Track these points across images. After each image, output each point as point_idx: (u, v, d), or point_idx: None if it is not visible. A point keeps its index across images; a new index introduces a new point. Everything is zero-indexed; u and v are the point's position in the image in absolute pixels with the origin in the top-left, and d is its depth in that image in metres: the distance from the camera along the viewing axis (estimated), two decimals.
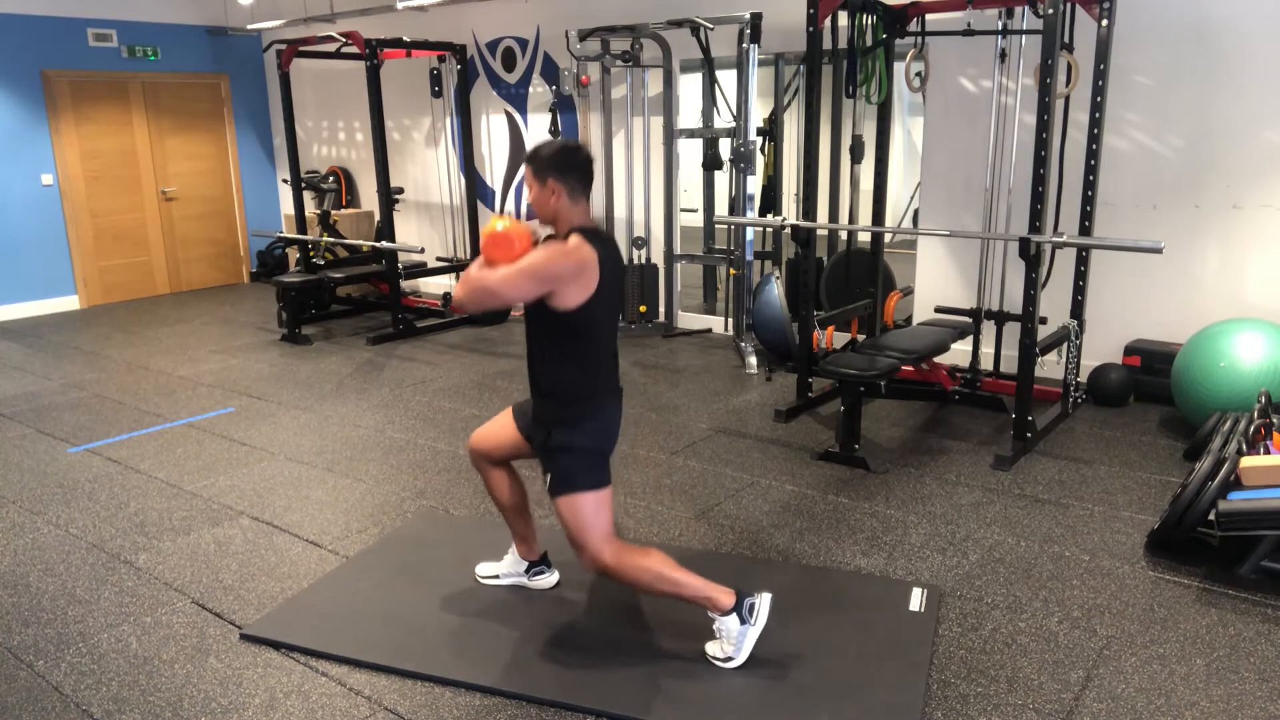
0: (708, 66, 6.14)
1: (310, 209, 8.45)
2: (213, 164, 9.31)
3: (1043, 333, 4.52)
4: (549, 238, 2.67)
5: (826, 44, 4.83)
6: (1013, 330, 4.73)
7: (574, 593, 3.14)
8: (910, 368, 4.83)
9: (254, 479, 4.27)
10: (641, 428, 4.84)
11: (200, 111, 9.15)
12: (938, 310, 5.33)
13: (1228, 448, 3.42)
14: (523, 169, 2.68)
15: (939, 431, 4.72)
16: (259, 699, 2.62)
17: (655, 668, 2.71)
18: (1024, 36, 4.94)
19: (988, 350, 5.35)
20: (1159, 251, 3.79)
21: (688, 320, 7.11)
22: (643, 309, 7.00)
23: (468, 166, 7.61)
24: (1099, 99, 4.68)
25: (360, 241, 7.71)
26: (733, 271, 6.35)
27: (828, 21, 4.74)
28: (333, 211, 8.40)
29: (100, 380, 6.01)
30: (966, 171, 5.52)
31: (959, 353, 5.46)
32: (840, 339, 5.96)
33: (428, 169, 8.44)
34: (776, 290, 5.53)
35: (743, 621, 2.64)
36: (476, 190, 7.72)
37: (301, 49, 7.26)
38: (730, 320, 6.73)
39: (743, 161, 5.93)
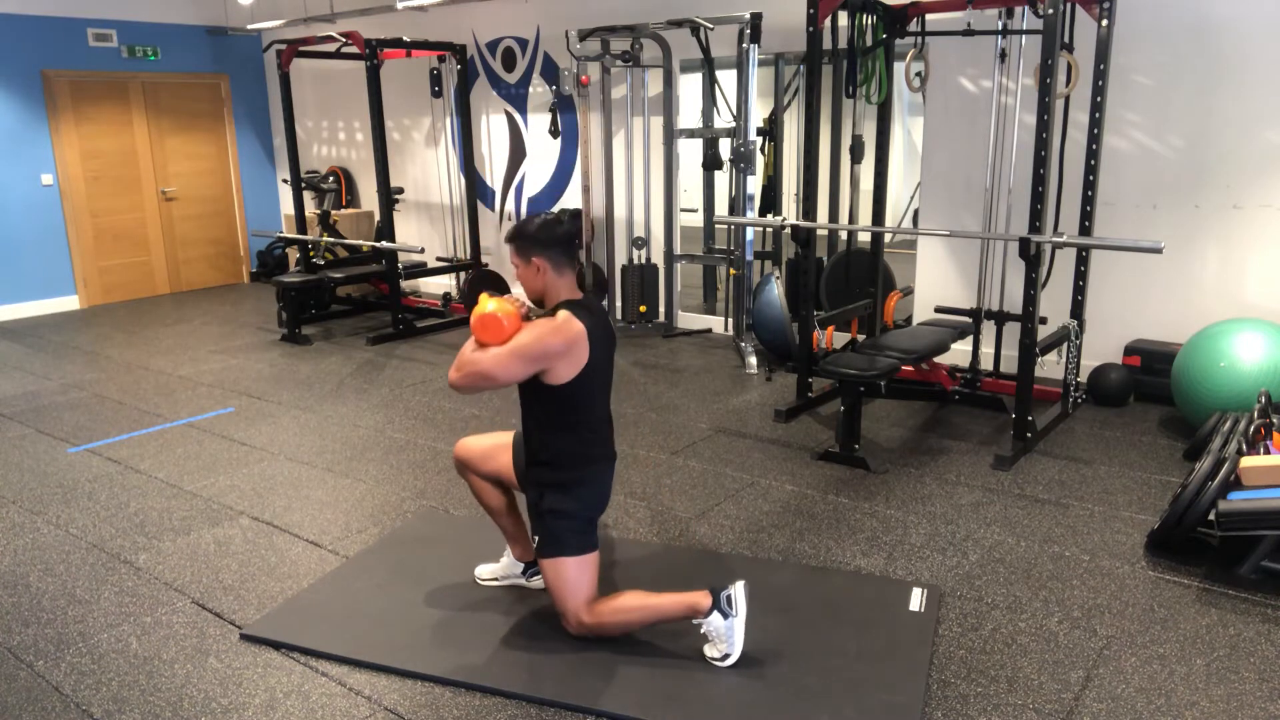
0: (708, 66, 6.14)
1: (310, 209, 8.45)
2: (213, 164, 9.31)
3: (1043, 333, 4.52)
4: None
5: (826, 44, 4.83)
6: (1013, 330, 4.73)
7: None
8: (910, 368, 4.83)
9: (254, 479, 4.27)
10: (641, 428, 4.84)
11: (200, 111, 9.15)
12: (938, 310, 5.33)
13: (1228, 448, 3.41)
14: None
15: (939, 431, 4.72)
16: (259, 699, 2.62)
17: (655, 668, 2.71)
18: (1024, 36, 4.94)
19: (988, 350, 5.35)
20: (1159, 251, 3.79)
21: (688, 320, 7.11)
22: (643, 309, 7.00)
23: (468, 166, 7.61)
24: (1099, 99, 4.68)
25: (360, 241, 7.71)
26: (733, 271, 6.35)
27: (828, 21, 4.74)
28: (333, 211, 8.40)
29: (100, 380, 6.01)
30: (966, 171, 5.52)
31: (959, 353, 5.46)
32: (840, 339, 5.96)
33: (428, 169, 8.44)
34: (776, 290, 5.53)
35: (725, 616, 2.66)
36: (476, 190, 7.71)
37: (301, 49, 7.26)
38: (730, 320, 6.73)
39: (743, 161, 5.93)
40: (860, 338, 5.62)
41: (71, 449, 4.73)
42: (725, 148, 6.33)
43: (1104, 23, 4.63)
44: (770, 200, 7.13)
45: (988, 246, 5.26)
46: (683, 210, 7.03)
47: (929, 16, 5.07)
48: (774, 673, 2.66)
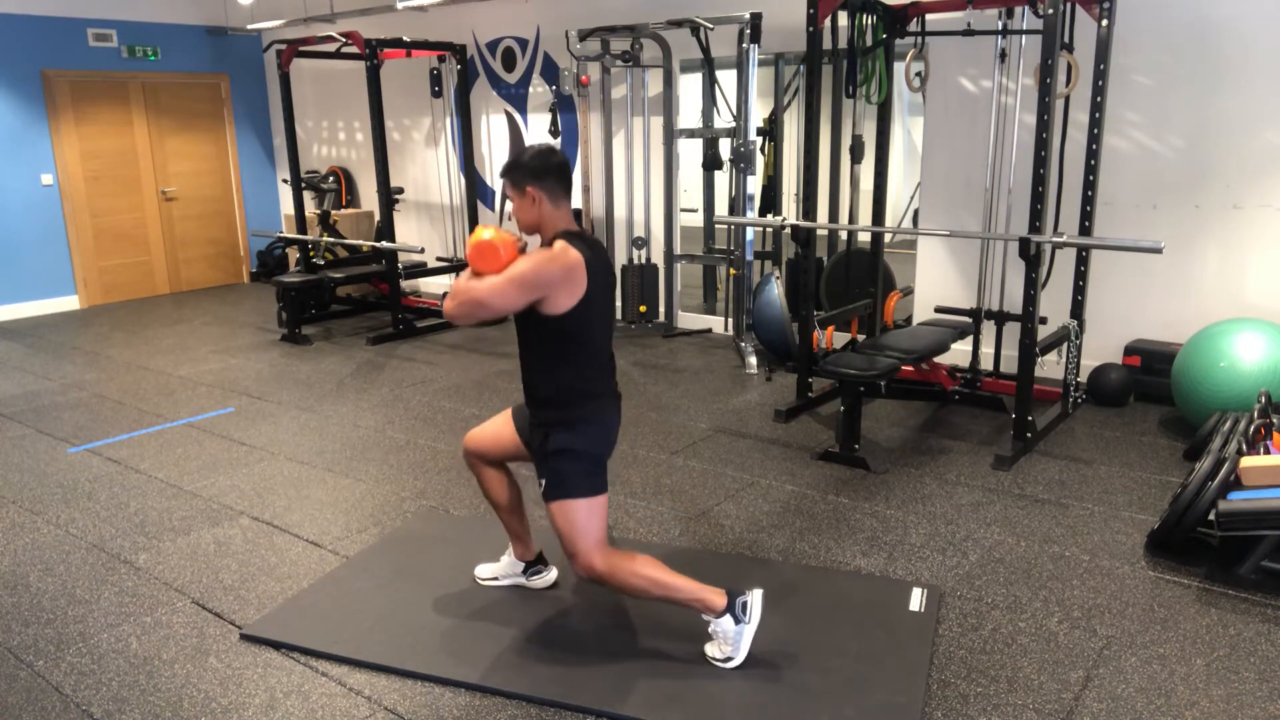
0: (708, 66, 6.14)
1: (310, 209, 8.45)
2: (213, 164, 9.31)
3: (1043, 333, 4.52)
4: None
5: (826, 44, 4.83)
6: (1013, 330, 4.73)
7: (573, 592, 3.14)
8: (910, 368, 4.83)
9: (254, 479, 4.27)
10: (641, 428, 4.84)
11: (200, 111, 9.15)
12: (938, 310, 5.33)
13: (1228, 448, 3.41)
14: (500, 183, 2.69)
15: (939, 431, 4.72)
16: (259, 699, 2.62)
17: (655, 668, 2.71)
18: (1024, 36, 4.94)
19: (988, 350, 5.35)
20: (1159, 251, 3.79)
21: (688, 320, 7.11)
22: (643, 309, 7.00)
23: (468, 166, 7.61)
24: (1099, 99, 4.68)
25: (360, 241, 7.71)
26: (733, 271, 6.35)
27: (828, 21, 4.74)
28: (333, 211, 8.40)
29: (100, 380, 6.01)
30: (966, 171, 5.52)
31: (959, 353, 5.46)
32: (840, 339, 5.96)
33: (428, 169, 8.45)
34: (776, 290, 5.53)
35: (737, 621, 2.64)
36: (476, 190, 7.72)
37: (301, 49, 7.26)
38: (730, 320, 6.73)
39: (743, 161, 5.93)
40: (860, 338, 5.62)
41: (71, 449, 4.73)
42: (725, 148, 6.33)
43: (1104, 23, 4.63)
44: (770, 200, 7.13)
45: (988, 246, 5.26)
46: (683, 210, 7.03)
47: (929, 16, 5.07)
48: (774, 673, 2.66)
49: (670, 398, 5.38)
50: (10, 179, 7.95)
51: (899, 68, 5.35)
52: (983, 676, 2.65)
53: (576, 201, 7.26)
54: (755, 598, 2.67)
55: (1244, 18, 4.61)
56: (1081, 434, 4.62)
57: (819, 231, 5.75)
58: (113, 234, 8.63)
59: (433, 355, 6.51)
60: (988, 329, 5.26)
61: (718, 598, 2.64)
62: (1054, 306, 4.96)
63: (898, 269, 6.37)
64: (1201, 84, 4.78)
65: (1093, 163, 4.76)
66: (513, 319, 2.65)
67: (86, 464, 4.50)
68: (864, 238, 6.34)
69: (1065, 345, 4.82)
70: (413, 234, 8.75)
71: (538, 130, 7.64)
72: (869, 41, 5.00)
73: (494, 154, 8.06)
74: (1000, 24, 4.89)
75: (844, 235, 6.44)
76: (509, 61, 7.70)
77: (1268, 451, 3.51)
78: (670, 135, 6.61)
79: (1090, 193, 4.80)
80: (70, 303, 8.45)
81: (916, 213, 6.00)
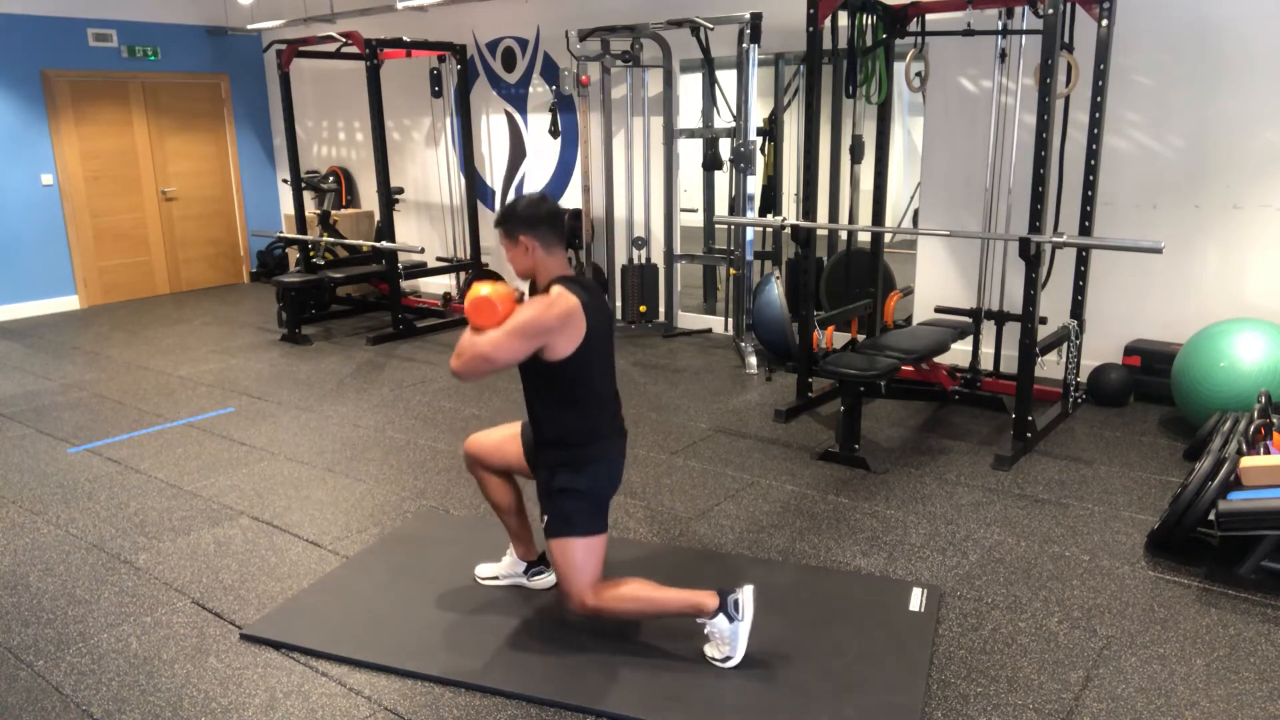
0: (708, 66, 6.14)
1: (310, 209, 8.45)
2: (213, 164, 9.31)
3: (1043, 333, 4.52)
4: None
5: (826, 44, 4.83)
6: (1013, 330, 4.73)
7: None
8: (910, 368, 4.83)
9: (254, 479, 4.27)
10: (641, 428, 4.84)
11: (200, 111, 9.15)
12: (938, 310, 5.33)
13: (1228, 448, 3.41)
14: (497, 233, 2.75)
15: (939, 431, 4.72)
16: (259, 699, 2.62)
17: (655, 668, 2.71)
18: (1024, 36, 4.94)
19: (988, 350, 5.35)
20: (1159, 251, 3.79)
21: (688, 320, 7.11)
22: (643, 309, 7.00)
23: (468, 166, 7.61)
24: (1099, 99, 4.68)
25: (360, 241, 7.71)
26: (733, 271, 6.35)
27: (828, 21, 4.73)
28: (333, 211, 8.40)
29: (100, 380, 6.01)
30: (966, 171, 5.52)
31: (959, 353, 5.46)
32: (840, 339, 5.96)
33: (428, 169, 8.44)
34: (776, 290, 5.53)
35: (730, 619, 2.65)
36: (476, 190, 7.71)
37: (301, 49, 7.26)
38: (730, 320, 6.73)
39: (743, 161, 5.93)
40: (860, 338, 5.62)
41: (71, 449, 4.73)
42: (725, 148, 6.33)
43: (1104, 23, 4.63)
44: (770, 200, 7.13)
45: (988, 246, 5.26)
46: (683, 210, 7.03)
47: (929, 16, 5.07)
48: (774, 673, 2.66)
49: (670, 398, 5.38)
50: (10, 179, 7.95)
51: (899, 68, 5.35)
52: (983, 676, 2.65)
53: (576, 201, 7.26)
54: (746, 594, 2.68)
55: (1244, 18, 4.61)
56: (1081, 434, 4.62)
57: (819, 231, 5.75)
58: (113, 234, 8.63)
59: (433, 355, 6.51)
60: (988, 329, 5.26)
61: (709, 599, 2.66)
62: (1054, 306, 4.96)
63: (898, 269, 6.37)
64: (1201, 84, 4.78)
65: (1093, 163, 4.76)
66: (517, 368, 2.69)
67: (86, 464, 4.50)
68: (864, 238, 6.33)
69: (1065, 345, 4.82)
70: (413, 234, 8.75)
71: (538, 130, 7.64)
72: (869, 41, 5.00)
73: (494, 154, 8.06)
74: (1000, 24, 4.89)
75: (844, 235, 6.44)
76: (509, 61, 7.70)
77: (1268, 451, 3.51)
78: (670, 135, 6.61)
79: (1090, 193, 4.80)
80: (70, 303, 8.45)
81: (916, 213, 6.00)
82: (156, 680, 2.72)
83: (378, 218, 7.48)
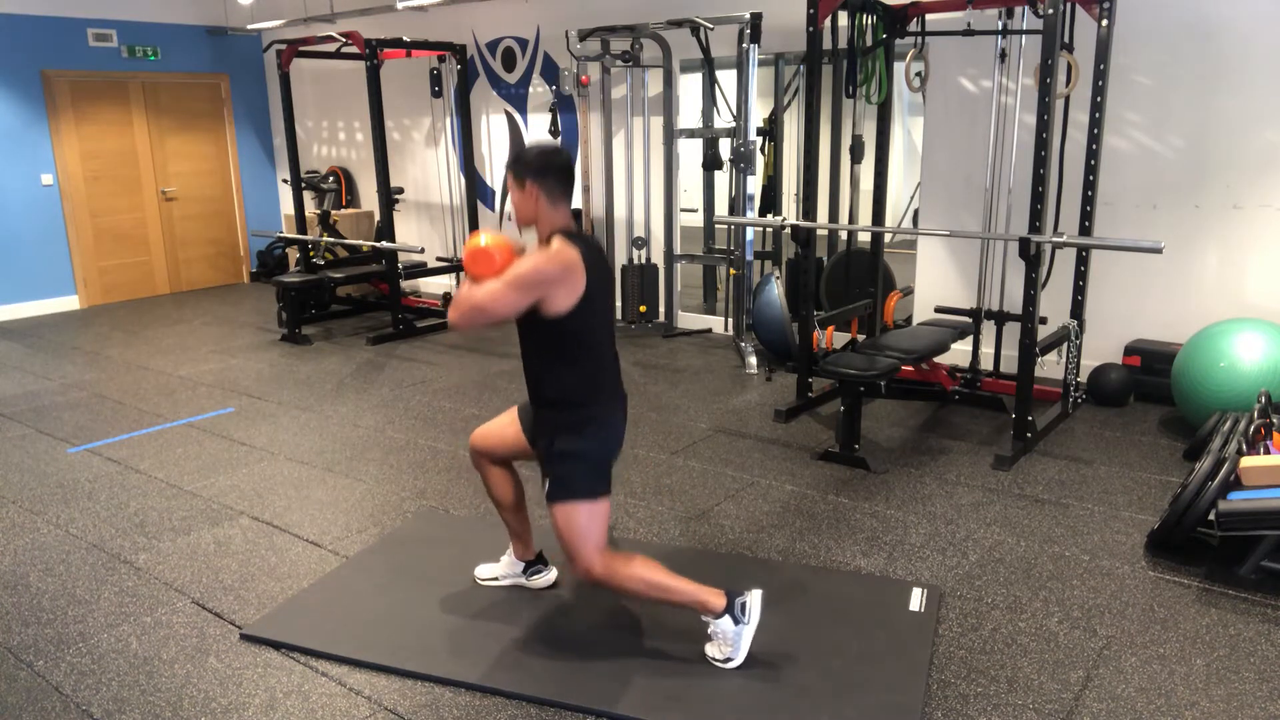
0: (708, 66, 6.14)
1: (310, 209, 8.45)
2: (213, 164, 9.31)
3: (1043, 333, 4.52)
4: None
5: (826, 44, 4.83)
6: (1013, 330, 4.73)
7: (573, 592, 3.14)
8: (910, 368, 4.83)
9: (254, 479, 4.27)
10: (641, 428, 4.84)
11: (200, 111, 9.15)
12: (938, 310, 5.33)
13: (1228, 448, 3.41)
14: (502, 181, 2.69)
15: (939, 431, 4.72)
16: (259, 699, 2.62)
17: (655, 668, 2.71)
18: (1024, 36, 4.94)
19: (988, 350, 5.35)
20: (1159, 251, 3.79)
21: (688, 320, 7.11)
22: (643, 309, 7.00)
23: (468, 166, 7.61)
24: (1099, 99, 4.68)
25: (360, 241, 7.71)
26: (733, 271, 6.35)
27: (828, 21, 4.73)
28: (333, 211, 8.40)
29: (100, 380, 6.01)
30: (966, 171, 5.52)
31: (959, 353, 5.46)
32: (840, 339, 5.96)
33: (428, 169, 8.45)
34: (776, 290, 5.53)
35: (736, 622, 2.64)
36: (476, 190, 7.72)
37: (301, 49, 7.26)
38: (730, 320, 6.73)
39: (743, 161, 5.93)
40: (860, 338, 5.62)
41: (71, 449, 4.73)
42: (725, 148, 6.33)
43: (1104, 23, 4.63)
44: (770, 200, 7.13)
45: (988, 246, 5.26)
46: (683, 210, 7.03)
47: (929, 16, 5.07)
48: (774, 673, 2.66)
49: (670, 398, 5.38)
50: (10, 179, 7.95)
51: (899, 68, 5.35)
52: (983, 676, 2.65)
53: (576, 201, 7.24)
54: (754, 598, 2.67)
55: (1244, 18, 4.61)
56: (1081, 434, 4.62)
57: (819, 231, 5.75)
58: (113, 234, 8.63)
59: (433, 355, 6.51)
60: (988, 329, 5.26)
61: (717, 599, 2.64)
62: (1054, 306, 4.96)
63: (898, 269, 6.37)
64: (1201, 84, 4.78)
65: (1093, 163, 4.76)
66: (514, 324, 2.64)
67: (86, 464, 4.50)
68: (864, 238, 6.34)
69: (1065, 345, 4.82)
70: (413, 234, 8.75)
71: (538, 130, 7.63)
72: (869, 41, 5.00)
73: (494, 154, 8.06)
74: (1000, 24, 4.89)
75: (844, 235, 6.44)
76: (509, 61, 7.70)
77: (1268, 451, 3.51)
78: (670, 135, 6.61)
79: (1090, 193, 4.80)
80: (70, 303, 8.45)
81: (916, 213, 6.00)
82: (156, 680, 2.72)
83: (378, 218, 7.49)
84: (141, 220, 8.82)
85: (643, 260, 7.01)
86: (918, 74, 5.26)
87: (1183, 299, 5.01)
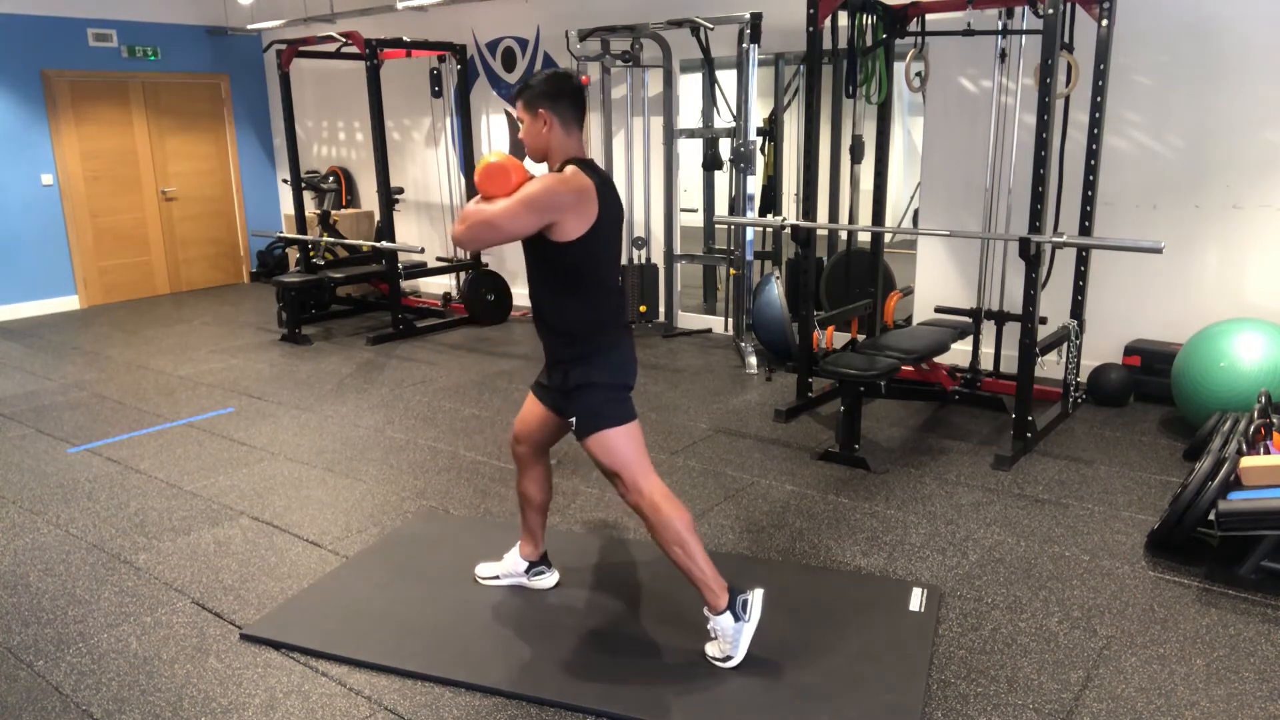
0: (708, 66, 6.14)
1: (310, 209, 8.45)
2: (213, 164, 9.31)
3: (1043, 333, 4.52)
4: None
5: (826, 44, 4.83)
6: (1013, 330, 4.73)
7: (574, 593, 3.14)
8: (910, 368, 4.83)
9: (254, 479, 4.27)
10: (642, 428, 4.83)
11: (200, 111, 9.15)
12: (938, 310, 5.33)
13: (1228, 448, 3.42)
14: (514, 106, 2.64)
15: (939, 431, 4.72)
16: (259, 699, 2.62)
17: (655, 668, 2.71)
18: (1024, 36, 4.94)
19: (988, 350, 5.35)
20: (1159, 251, 3.79)
21: (688, 320, 7.11)
22: (643, 309, 7.00)
23: (468, 166, 7.61)
24: (1099, 99, 4.68)
25: (360, 241, 7.71)
26: (733, 271, 6.35)
27: (828, 21, 4.74)
28: (333, 211, 8.40)
29: (100, 380, 6.01)
30: (966, 171, 5.52)
31: (959, 353, 5.46)
32: (840, 339, 5.96)
33: (428, 169, 8.45)
34: (776, 290, 5.53)
35: (736, 619, 2.64)
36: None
37: (301, 49, 7.26)
38: (730, 320, 6.73)
39: (743, 161, 5.93)
40: (860, 338, 5.62)
41: (71, 449, 4.72)
42: (725, 148, 6.33)
43: (1104, 23, 4.63)
44: (770, 200, 7.13)
45: (988, 246, 5.26)
46: (683, 210, 7.03)
47: (929, 16, 5.07)
48: (774, 673, 2.66)
49: (670, 398, 5.37)
50: (10, 179, 7.95)
51: (899, 68, 5.35)
52: (983, 676, 2.65)
53: None
54: (756, 597, 2.67)
55: (1244, 18, 4.61)
56: (1081, 434, 4.62)
57: (819, 231, 5.75)
58: (113, 234, 8.63)
59: (433, 355, 6.51)
60: (988, 329, 5.26)
61: (722, 591, 2.65)
62: (1054, 306, 4.96)
63: (898, 269, 6.37)
64: (1201, 84, 4.78)
65: (1093, 163, 4.76)
66: (522, 253, 2.62)
67: (86, 464, 4.50)
68: (864, 238, 6.34)
69: (1065, 345, 4.82)
70: (413, 234, 8.75)
71: None
72: (869, 41, 5.00)
73: None
74: (1000, 24, 4.89)
75: (844, 235, 6.44)
76: (509, 61, 7.70)
77: (1268, 451, 3.51)
78: (670, 135, 6.61)
79: (1090, 193, 4.80)
80: (70, 303, 8.45)
81: (916, 213, 6.00)
82: (156, 680, 2.72)
83: (378, 218, 7.49)
84: (141, 220, 8.82)
85: (643, 260, 7.01)
86: (918, 74, 5.26)
87: (1183, 299, 5.01)
